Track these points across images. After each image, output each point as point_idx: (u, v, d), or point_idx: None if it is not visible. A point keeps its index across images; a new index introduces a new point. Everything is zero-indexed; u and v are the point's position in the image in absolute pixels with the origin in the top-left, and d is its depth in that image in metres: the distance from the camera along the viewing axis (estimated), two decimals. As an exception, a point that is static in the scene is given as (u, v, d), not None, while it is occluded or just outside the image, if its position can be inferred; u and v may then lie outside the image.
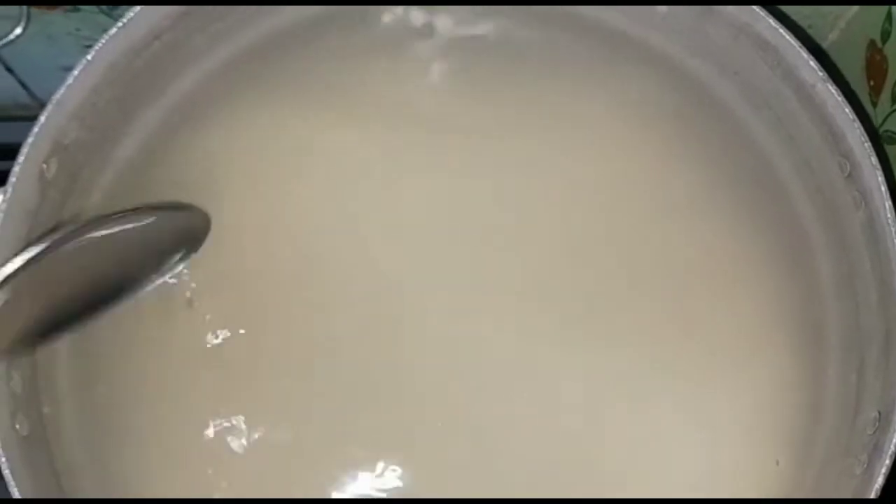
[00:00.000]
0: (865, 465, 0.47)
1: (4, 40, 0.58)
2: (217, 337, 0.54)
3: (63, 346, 0.52)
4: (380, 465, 0.53)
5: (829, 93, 0.49)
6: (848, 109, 0.49)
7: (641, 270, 0.55)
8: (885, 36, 0.54)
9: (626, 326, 0.54)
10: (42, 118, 0.49)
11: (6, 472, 0.44)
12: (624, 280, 0.55)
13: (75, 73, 0.49)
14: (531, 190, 0.56)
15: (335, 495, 0.52)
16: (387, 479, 0.53)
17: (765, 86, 0.53)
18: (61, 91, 0.49)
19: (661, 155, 0.56)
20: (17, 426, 0.47)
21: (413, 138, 0.56)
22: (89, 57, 0.49)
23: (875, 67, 0.55)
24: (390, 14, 0.55)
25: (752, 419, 0.53)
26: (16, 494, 0.44)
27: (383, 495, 0.52)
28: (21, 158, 0.48)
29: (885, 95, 0.54)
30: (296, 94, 0.56)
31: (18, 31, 0.58)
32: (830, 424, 0.52)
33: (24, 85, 0.68)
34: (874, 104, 0.56)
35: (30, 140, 0.49)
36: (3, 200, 0.48)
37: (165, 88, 0.55)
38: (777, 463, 0.52)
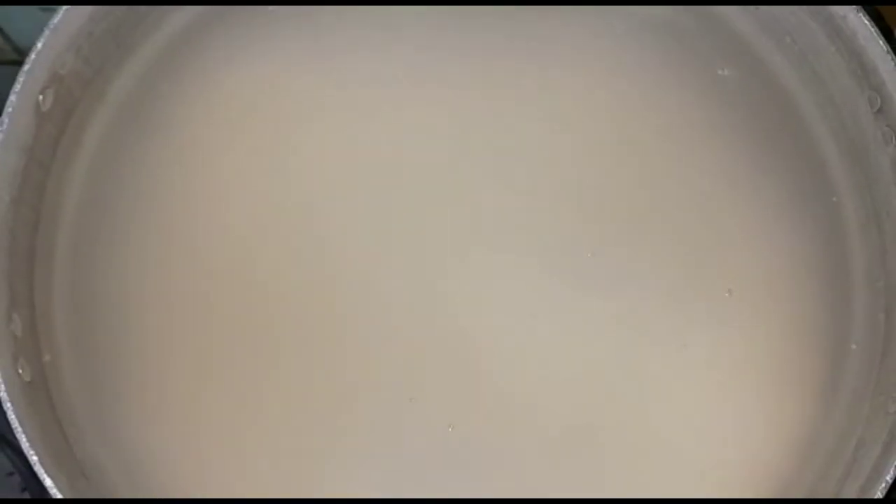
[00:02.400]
0: (900, 403, 0.47)
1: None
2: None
3: (59, 291, 0.50)
4: (384, 421, 0.51)
5: (862, 23, 0.48)
6: (882, 41, 0.47)
7: (658, 212, 0.53)
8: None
9: (641, 271, 0.53)
10: (39, 45, 0.47)
11: (11, 417, 0.42)
12: (639, 223, 0.53)
13: (72, -3, 0.47)
14: (535, 125, 0.54)
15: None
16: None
17: (788, 18, 0.52)
18: (58, 16, 0.47)
19: (677, 93, 0.54)
20: (20, 370, 0.45)
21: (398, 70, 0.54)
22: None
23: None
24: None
25: (776, 363, 0.52)
26: (23, 441, 0.42)
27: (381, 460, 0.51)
28: (17, 87, 0.46)
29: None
30: (291, 46, 0.54)
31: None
32: (857, 366, 0.51)
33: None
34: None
35: (26, 68, 0.47)
36: (0, 132, 0.45)
37: (160, 22, 0.53)
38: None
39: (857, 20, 0.48)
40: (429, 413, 0.51)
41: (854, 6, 0.48)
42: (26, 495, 0.53)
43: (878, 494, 0.44)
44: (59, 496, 0.42)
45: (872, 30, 0.48)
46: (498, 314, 0.52)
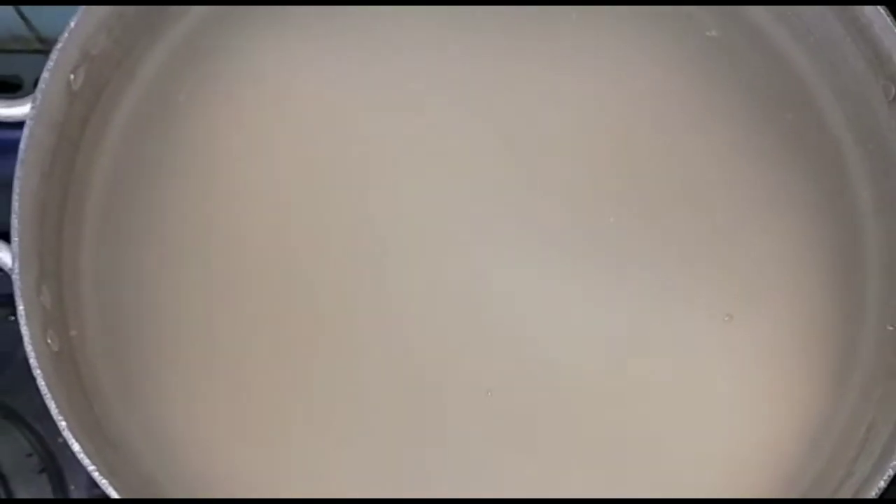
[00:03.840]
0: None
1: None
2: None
3: (86, 266, 0.51)
4: (392, 408, 0.52)
5: (878, 13, 0.49)
6: (897, 30, 0.48)
7: (669, 195, 0.54)
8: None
9: (651, 255, 0.53)
10: (71, 24, 0.48)
11: (41, 383, 0.43)
12: (650, 205, 0.54)
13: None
14: (550, 112, 0.55)
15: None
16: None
17: (804, 8, 0.52)
18: (90, -2, 0.48)
19: (694, 79, 0.55)
20: (49, 341, 0.46)
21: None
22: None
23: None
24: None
25: (788, 348, 0.52)
26: (52, 408, 0.43)
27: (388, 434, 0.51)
28: (51, 64, 0.47)
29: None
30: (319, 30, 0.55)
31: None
32: (869, 350, 0.51)
33: (22, 15, 0.65)
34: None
35: (59, 46, 0.47)
36: (32, 107, 0.46)
37: (189, 5, 0.54)
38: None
39: (872, 10, 0.49)
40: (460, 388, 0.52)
41: (871, -4, 0.49)
42: (44, 476, 0.54)
43: (890, 472, 0.44)
44: (88, 462, 0.42)
45: (888, 19, 0.48)
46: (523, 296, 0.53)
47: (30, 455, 0.54)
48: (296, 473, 0.50)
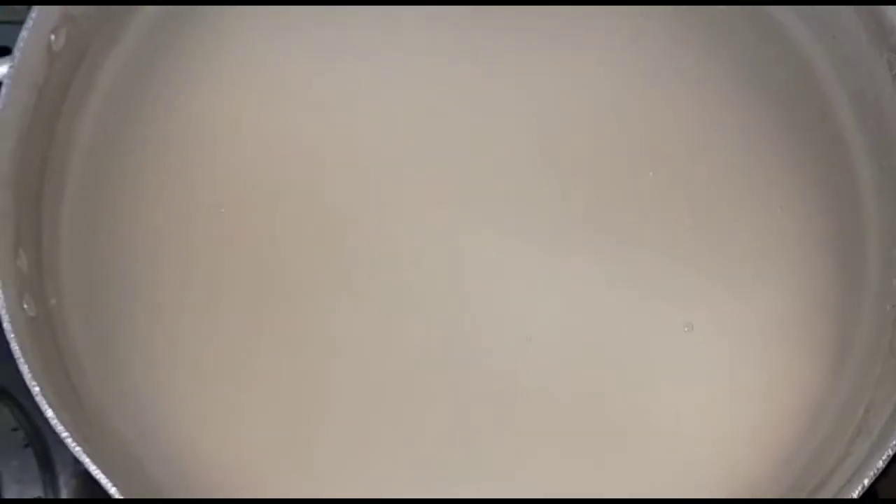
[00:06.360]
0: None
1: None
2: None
3: (66, 234, 0.50)
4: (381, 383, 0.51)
5: (882, -19, 0.48)
6: (901, -1, 0.47)
7: (666, 174, 0.53)
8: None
9: (647, 234, 0.52)
10: None
11: (14, 348, 0.42)
12: (646, 185, 0.53)
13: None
14: (540, 88, 0.54)
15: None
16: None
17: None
18: (72, -44, 0.47)
19: (687, 52, 0.54)
20: (25, 306, 0.44)
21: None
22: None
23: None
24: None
25: (786, 327, 0.51)
26: (25, 373, 0.41)
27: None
28: (30, 23, 0.46)
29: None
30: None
31: None
32: (869, 330, 0.50)
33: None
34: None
35: (38, 6, 0.46)
36: (11, 67, 0.45)
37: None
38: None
39: (875, -21, 0.48)
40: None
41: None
42: (29, 451, 0.53)
43: (889, 452, 0.43)
44: (61, 429, 0.41)
45: (893, -12, 0.48)
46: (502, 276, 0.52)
47: (15, 429, 0.53)
48: (276, 447, 0.49)
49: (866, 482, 0.43)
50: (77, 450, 0.40)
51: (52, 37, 0.47)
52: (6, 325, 0.42)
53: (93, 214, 0.51)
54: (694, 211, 0.52)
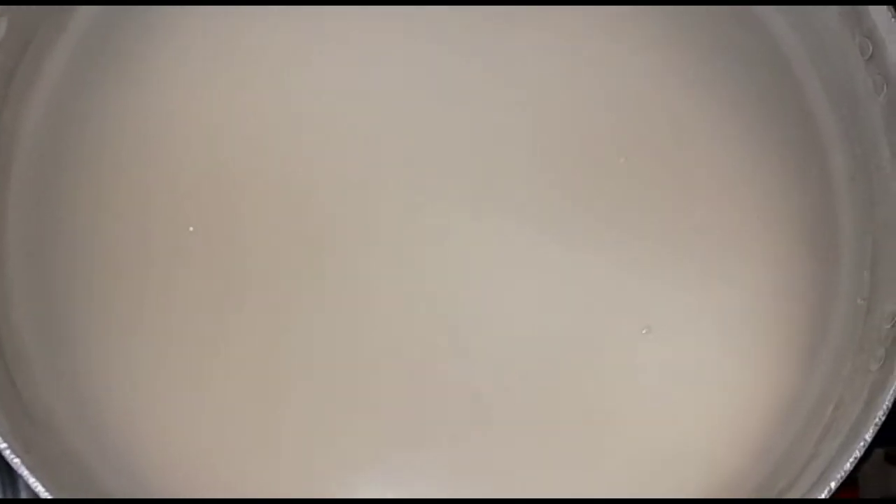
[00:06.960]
0: (882, 361, 0.45)
1: None
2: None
3: (13, 228, 0.48)
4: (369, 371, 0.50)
5: (853, -34, 0.46)
6: (872, -16, 0.46)
7: (640, 165, 0.51)
8: None
9: (623, 225, 0.51)
10: None
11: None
12: (622, 175, 0.51)
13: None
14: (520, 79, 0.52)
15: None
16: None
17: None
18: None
19: (661, 40, 0.52)
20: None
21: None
22: None
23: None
24: None
25: (757, 322, 0.50)
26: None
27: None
28: (-33, 10, 0.44)
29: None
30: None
31: None
32: (840, 324, 0.49)
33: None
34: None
35: None
36: (-53, 58, 0.43)
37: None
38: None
39: (848, -37, 0.46)
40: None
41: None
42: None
43: (857, 454, 0.42)
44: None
45: (865, -28, 0.46)
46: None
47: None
48: (234, 446, 0.48)
49: (833, 485, 0.42)
50: (16, 462, 0.39)
51: (-7, 25, 0.46)
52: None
53: (42, 208, 0.49)
54: (666, 206, 0.51)
